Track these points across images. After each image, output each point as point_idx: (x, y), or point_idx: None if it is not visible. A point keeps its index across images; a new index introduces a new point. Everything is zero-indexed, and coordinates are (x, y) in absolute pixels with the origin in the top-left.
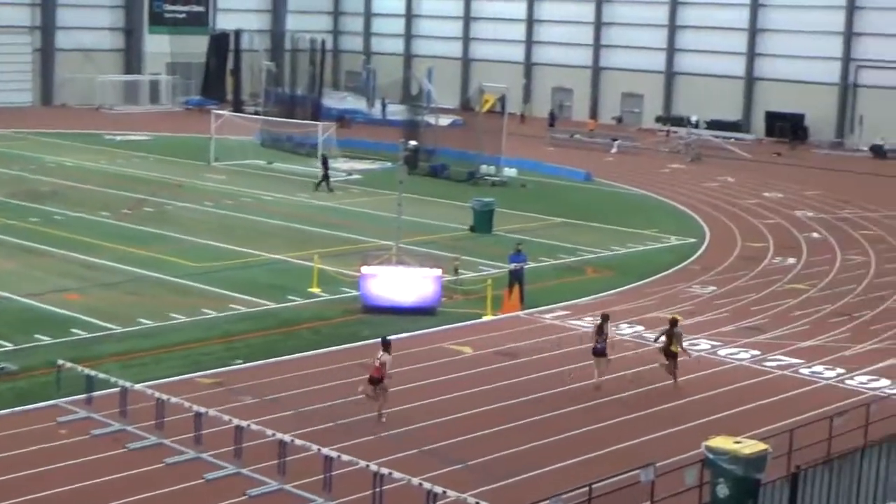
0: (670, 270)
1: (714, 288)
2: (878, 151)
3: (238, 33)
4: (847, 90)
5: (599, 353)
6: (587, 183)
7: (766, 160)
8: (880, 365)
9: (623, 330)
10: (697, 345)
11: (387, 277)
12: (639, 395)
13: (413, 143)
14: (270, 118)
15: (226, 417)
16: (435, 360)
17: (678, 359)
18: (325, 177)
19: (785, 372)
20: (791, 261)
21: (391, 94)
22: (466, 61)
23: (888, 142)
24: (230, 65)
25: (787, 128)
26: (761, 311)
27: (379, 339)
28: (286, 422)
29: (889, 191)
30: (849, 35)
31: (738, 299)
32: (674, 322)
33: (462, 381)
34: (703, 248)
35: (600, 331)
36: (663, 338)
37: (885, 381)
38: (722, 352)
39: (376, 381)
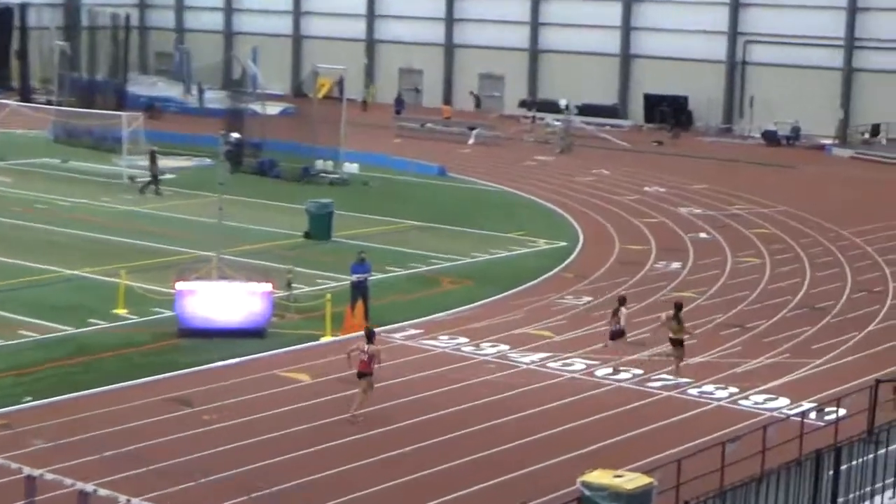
0: (539, 279)
1: (589, 298)
2: (771, 138)
3: (24, 7)
4: (735, 68)
5: (616, 335)
6: (441, 179)
7: (646, 149)
8: (777, 382)
9: (485, 350)
10: (571, 364)
11: (207, 295)
12: (503, 423)
13: (236, 135)
14: (65, 108)
15: (14, 465)
16: (266, 391)
17: (684, 347)
18: (155, 177)
19: (671, 393)
20: (676, 265)
21: (209, 78)
22: (298, 39)
23: (783, 126)
24: (15, 45)
25: (669, 112)
26: (643, 324)
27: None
28: (88, 468)
29: (784, 183)
30: (735, 5)
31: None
32: (679, 306)
33: (299, 413)
34: (576, 252)
35: (616, 313)
36: (670, 322)
37: (783, 401)
38: (599, 372)
39: (365, 374)
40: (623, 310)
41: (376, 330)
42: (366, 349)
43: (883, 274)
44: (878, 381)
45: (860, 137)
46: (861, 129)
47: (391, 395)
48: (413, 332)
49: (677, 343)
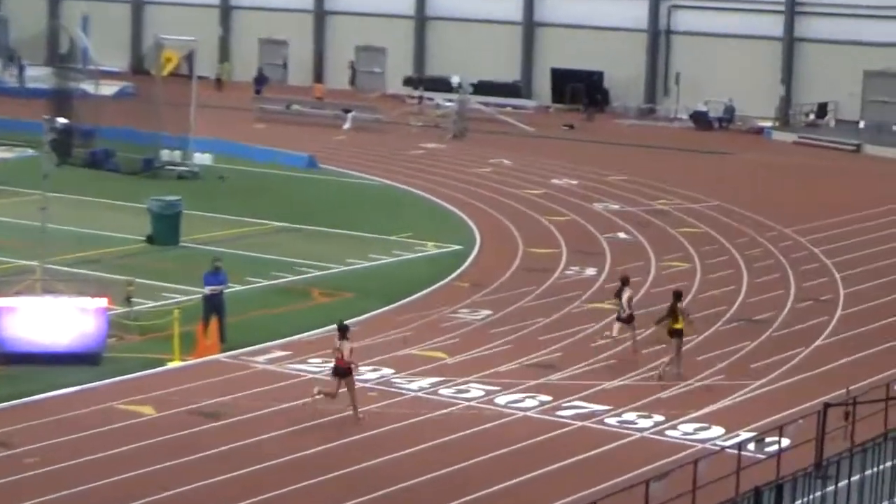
0: (429, 289)
1: (489, 312)
2: (701, 120)
3: None
4: (658, 38)
5: (625, 320)
6: (312, 172)
7: (555, 134)
8: (710, 408)
9: (365, 375)
10: (467, 391)
11: (29, 312)
12: (387, 462)
13: (63, 121)
14: None
15: None
16: (102, 427)
17: (684, 338)
18: None
19: (586, 423)
20: (591, 272)
21: (31, 52)
22: (139, 4)
23: (714, 107)
24: None
25: (581, 91)
26: (553, 342)
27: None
28: None
29: (717, 173)
30: None
31: (522, 326)
32: (678, 295)
33: (142, 454)
34: (473, 257)
35: (619, 296)
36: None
37: (717, 430)
38: (501, 399)
39: (343, 371)
40: (627, 291)
41: (231, 353)
42: (337, 345)
43: (832, 279)
44: (826, 406)
45: (804, 119)
46: (805, 108)
47: (253, 430)
48: (279, 354)
49: (675, 333)
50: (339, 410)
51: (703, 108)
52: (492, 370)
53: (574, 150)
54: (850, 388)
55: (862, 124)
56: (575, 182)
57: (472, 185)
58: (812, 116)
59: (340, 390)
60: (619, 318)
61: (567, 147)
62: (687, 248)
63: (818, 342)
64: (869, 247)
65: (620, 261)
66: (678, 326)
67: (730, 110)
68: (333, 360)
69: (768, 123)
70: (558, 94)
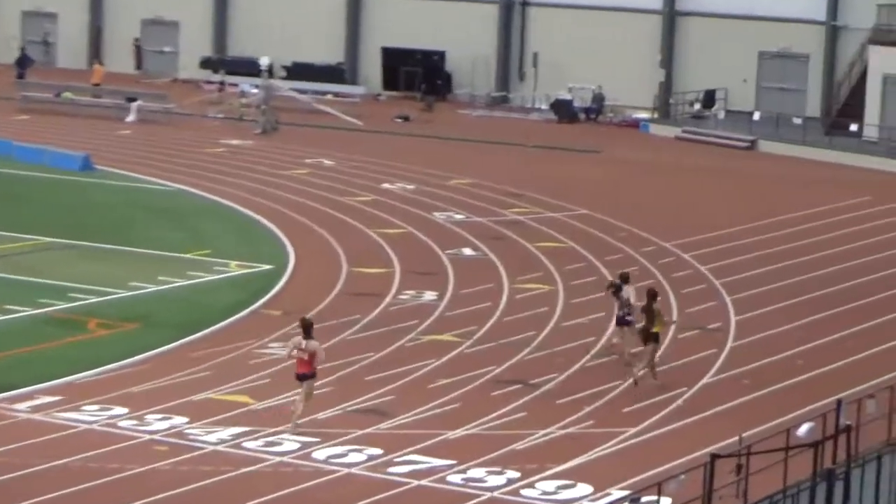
0: (231, 319)
1: None
2: (564, 110)
3: None
4: (511, 11)
5: (622, 322)
6: (87, 175)
7: (387, 128)
8: (575, 462)
9: (153, 425)
10: (279, 444)
11: None
12: None
13: None
14: None
15: None
16: None
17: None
18: None
19: (423, 481)
20: (430, 296)
21: None
22: None
23: (581, 94)
24: None
25: (418, 75)
26: (384, 383)
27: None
28: None
29: (583, 175)
30: None
31: (346, 364)
32: (652, 295)
33: None
34: (286, 279)
35: (617, 295)
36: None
37: (583, 488)
38: (320, 453)
39: (306, 376)
40: (628, 289)
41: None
42: (303, 346)
43: (721, 304)
44: (714, 457)
45: (688, 110)
46: (689, 97)
47: (10, 496)
48: (46, 400)
49: (651, 338)
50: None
51: (567, 97)
52: (309, 418)
53: (410, 147)
54: (744, 434)
55: (757, 116)
56: (411, 187)
57: (285, 191)
58: (697, 107)
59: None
60: (619, 322)
61: (401, 144)
62: (547, 267)
63: (705, 380)
64: (764, 264)
65: (466, 282)
66: (655, 330)
67: (599, 99)
68: (297, 363)
69: (645, 115)
70: (390, 79)
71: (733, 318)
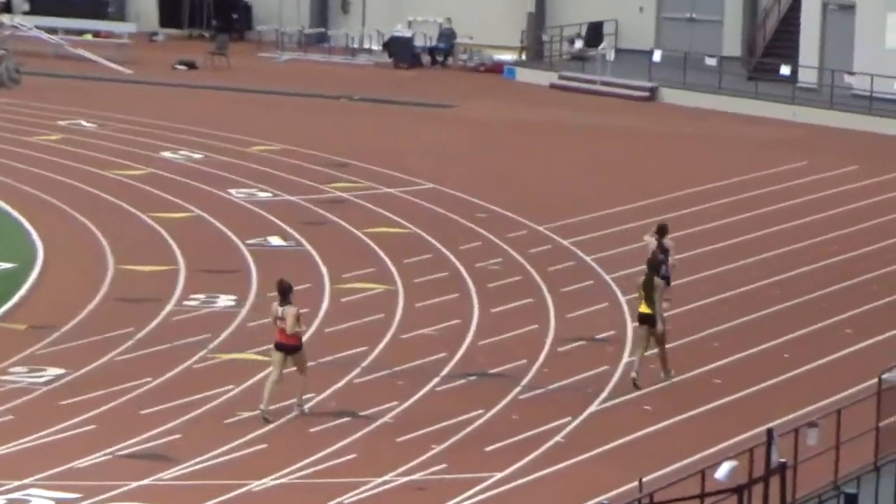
0: None
1: (59, 371)
2: (402, 51)
3: None
4: None
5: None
6: None
7: (166, 79)
8: None
9: None
10: (26, 502)
11: None
12: None
13: None
14: None
15: None
16: None
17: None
18: None
19: None
20: (227, 301)
21: None
22: None
23: (424, 30)
24: None
25: (207, 7)
26: (165, 417)
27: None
28: None
29: (427, 137)
30: None
31: (115, 393)
32: (655, 264)
33: None
34: (32, 281)
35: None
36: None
37: None
38: None
39: (289, 348)
40: (665, 246)
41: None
42: (280, 313)
43: (613, 306)
44: None
45: (567, 49)
46: (568, 33)
47: None
48: None
49: (646, 320)
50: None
51: (405, 33)
52: (66, 466)
53: (197, 103)
54: (644, 479)
55: (657, 56)
56: (198, 156)
57: (31, 164)
58: (579, 45)
59: (286, 371)
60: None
61: (185, 99)
62: (382, 261)
63: (593, 407)
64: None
65: (274, 280)
66: (646, 311)
67: (448, 36)
68: (276, 332)
69: (510, 57)
70: (170, 13)
71: (630, 325)
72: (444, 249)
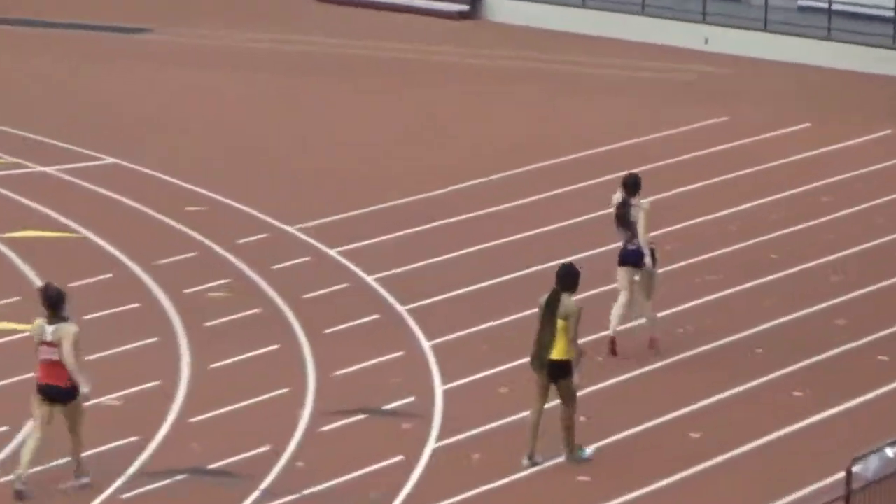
0: None
1: None
2: None
3: None
4: None
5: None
6: None
7: None
8: None
9: None
10: None
11: None
12: None
13: None
14: None
15: None
16: None
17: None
18: None
19: None
20: None
21: None
22: None
23: None
24: None
25: None
26: None
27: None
28: None
29: (113, 81)
30: None
31: None
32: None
33: None
34: None
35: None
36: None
37: None
38: None
39: (57, 393)
40: (639, 204)
41: None
42: (48, 336)
43: (413, 352)
44: None
45: None
46: None
47: None
48: None
49: (557, 372)
50: None
51: None
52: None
53: None
54: None
55: None
56: None
57: None
58: None
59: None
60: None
61: None
62: (30, 284)
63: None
64: (486, 262)
65: None
66: (556, 356)
67: None
68: (40, 367)
69: None
70: None
71: (439, 386)
72: (132, 265)
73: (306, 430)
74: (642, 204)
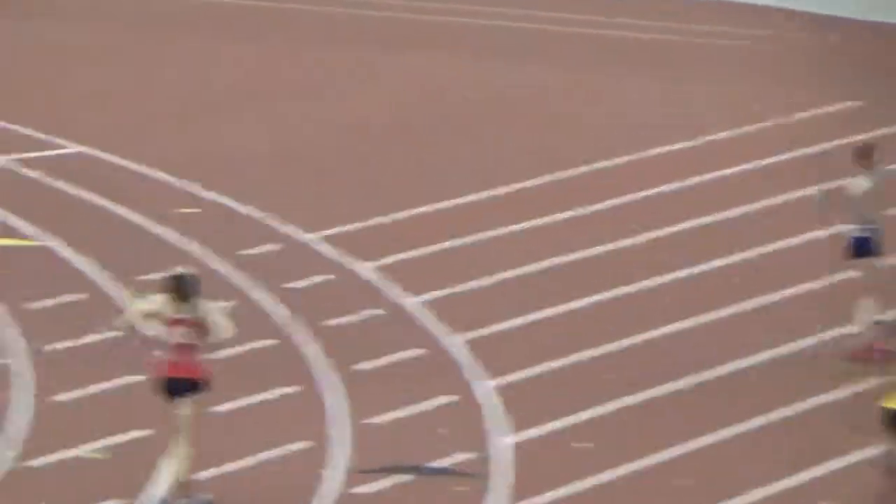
0: None
1: None
2: None
3: None
4: None
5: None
6: None
7: None
8: None
9: None
10: None
11: None
12: None
13: None
14: None
15: None
16: None
17: None
18: None
19: None
20: None
21: None
22: None
23: None
24: None
25: None
26: None
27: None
28: None
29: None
30: None
31: None
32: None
33: None
34: None
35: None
36: None
37: None
38: None
39: (185, 386)
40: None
41: None
42: (178, 319)
43: (465, 398)
44: None
45: None
46: None
47: None
48: None
49: None
50: None
51: None
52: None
53: None
54: None
55: None
56: None
57: None
58: None
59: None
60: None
61: None
62: None
63: None
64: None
65: None
66: None
67: None
68: (157, 363)
69: None
70: None
71: (501, 440)
72: (105, 283)
73: (332, 494)
74: None
